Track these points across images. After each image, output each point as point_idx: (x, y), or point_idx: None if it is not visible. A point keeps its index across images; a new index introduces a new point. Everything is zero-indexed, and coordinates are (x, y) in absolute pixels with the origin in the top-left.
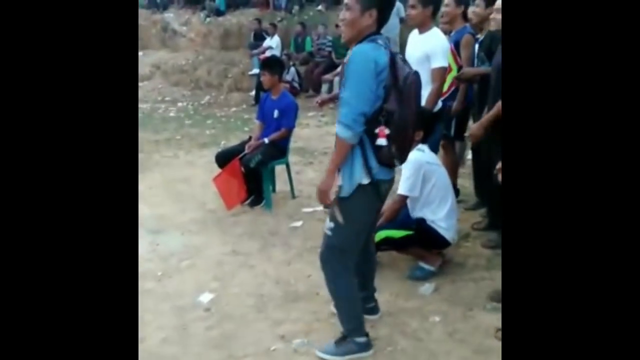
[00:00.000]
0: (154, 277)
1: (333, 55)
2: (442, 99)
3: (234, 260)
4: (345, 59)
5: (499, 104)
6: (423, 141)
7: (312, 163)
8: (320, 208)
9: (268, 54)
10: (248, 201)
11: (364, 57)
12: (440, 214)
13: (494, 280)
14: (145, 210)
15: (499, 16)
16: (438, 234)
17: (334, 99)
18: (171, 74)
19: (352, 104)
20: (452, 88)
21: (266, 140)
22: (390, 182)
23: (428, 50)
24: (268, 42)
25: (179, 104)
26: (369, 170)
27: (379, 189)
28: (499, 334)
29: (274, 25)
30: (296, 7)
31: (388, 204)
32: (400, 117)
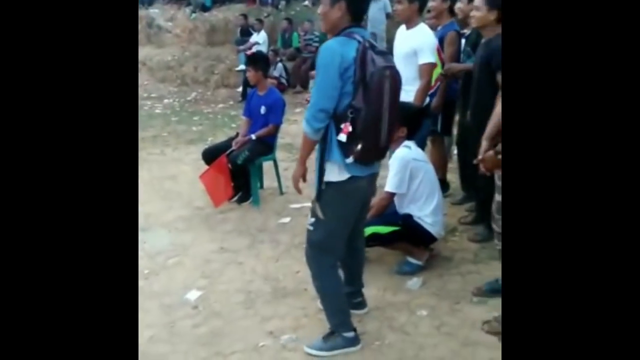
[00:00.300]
0: (141, 275)
1: None
2: (429, 94)
3: (221, 257)
4: None
5: (496, 115)
6: (409, 137)
7: None
8: (308, 204)
9: (255, 49)
10: (236, 198)
11: (330, 52)
12: (427, 210)
13: (481, 274)
14: None
15: (477, 13)
16: (424, 230)
17: None
18: (157, 70)
19: (314, 99)
20: (438, 84)
21: (253, 136)
22: (369, 178)
23: (415, 46)
24: (255, 37)
25: (165, 101)
26: (339, 166)
27: (355, 185)
28: (486, 326)
29: (260, 21)
30: (282, 3)
31: (375, 200)
32: (367, 114)
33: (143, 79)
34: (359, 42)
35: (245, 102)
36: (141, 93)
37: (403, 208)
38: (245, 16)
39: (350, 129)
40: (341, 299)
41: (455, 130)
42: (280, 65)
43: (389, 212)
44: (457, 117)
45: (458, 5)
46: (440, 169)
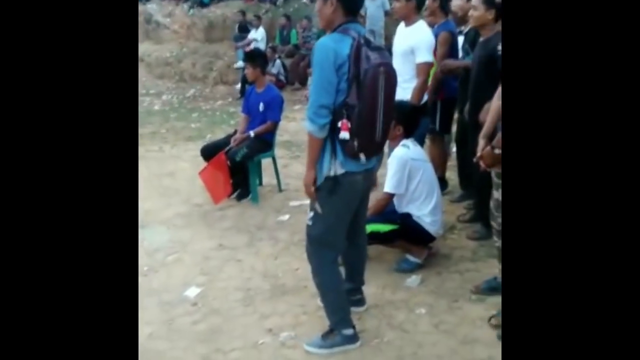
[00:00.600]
0: (140, 271)
1: None
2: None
3: (220, 255)
4: None
5: (493, 112)
6: (407, 135)
7: (299, 156)
8: (307, 202)
9: (253, 46)
10: (234, 195)
11: (324, 48)
12: (426, 209)
13: (479, 271)
14: None
15: (476, 12)
16: (423, 229)
17: None
18: (155, 67)
19: (312, 97)
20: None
21: (252, 133)
22: (365, 173)
23: (413, 44)
24: (253, 34)
25: (164, 97)
26: (336, 162)
27: (350, 179)
28: (493, 320)
29: (258, 18)
30: None
31: (373, 200)
32: (361, 111)
33: (141, 75)
34: (353, 38)
35: (243, 99)
36: (139, 89)
37: (402, 207)
38: (243, 13)
39: (349, 125)
40: (341, 295)
41: (454, 128)
42: (278, 62)
43: (388, 211)
44: (456, 115)
45: (456, 2)
46: (440, 166)
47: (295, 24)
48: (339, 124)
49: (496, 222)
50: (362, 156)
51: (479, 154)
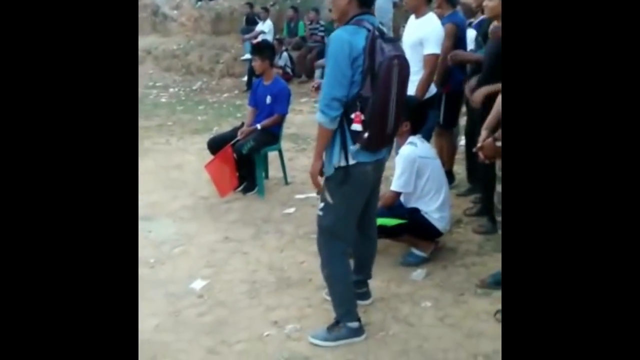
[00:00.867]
0: (146, 264)
1: (326, 40)
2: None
3: (226, 247)
4: None
5: (497, 104)
6: (415, 131)
7: (306, 149)
8: (313, 194)
9: (260, 38)
10: (241, 188)
11: (339, 40)
12: (434, 205)
13: (485, 265)
14: None
15: (490, 3)
16: (431, 225)
17: None
18: (162, 59)
19: (325, 89)
20: None
21: (258, 126)
22: (376, 163)
23: (422, 35)
24: (260, 26)
25: (171, 90)
26: (346, 153)
27: (361, 169)
28: (499, 315)
29: (266, 10)
30: None
31: (381, 196)
32: (374, 103)
33: (148, 67)
34: (368, 30)
35: (250, 92)
36: (146, 82)
37: (410, 203)
38: (250, 5)
39: (362, 117)
40: (349, 287)
41: (463, 121)
42: (285, 54)
43: (396, 205)
44: (464, 108)
45: None
46: (447, 160)
47: (303, 16)
48: (352, 116)
49: (500, 216)
50: (373, 147)
51: (479, 144)
